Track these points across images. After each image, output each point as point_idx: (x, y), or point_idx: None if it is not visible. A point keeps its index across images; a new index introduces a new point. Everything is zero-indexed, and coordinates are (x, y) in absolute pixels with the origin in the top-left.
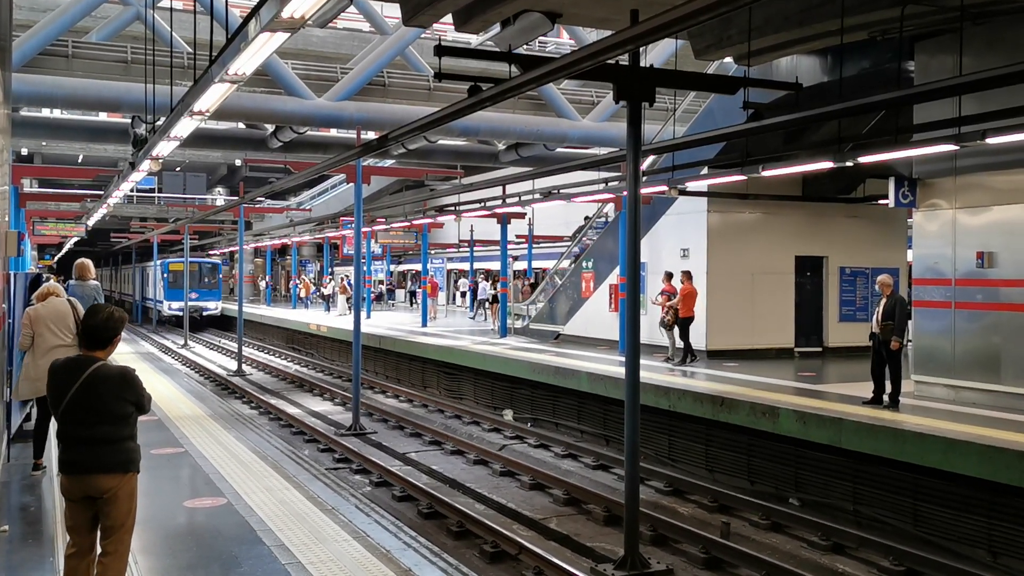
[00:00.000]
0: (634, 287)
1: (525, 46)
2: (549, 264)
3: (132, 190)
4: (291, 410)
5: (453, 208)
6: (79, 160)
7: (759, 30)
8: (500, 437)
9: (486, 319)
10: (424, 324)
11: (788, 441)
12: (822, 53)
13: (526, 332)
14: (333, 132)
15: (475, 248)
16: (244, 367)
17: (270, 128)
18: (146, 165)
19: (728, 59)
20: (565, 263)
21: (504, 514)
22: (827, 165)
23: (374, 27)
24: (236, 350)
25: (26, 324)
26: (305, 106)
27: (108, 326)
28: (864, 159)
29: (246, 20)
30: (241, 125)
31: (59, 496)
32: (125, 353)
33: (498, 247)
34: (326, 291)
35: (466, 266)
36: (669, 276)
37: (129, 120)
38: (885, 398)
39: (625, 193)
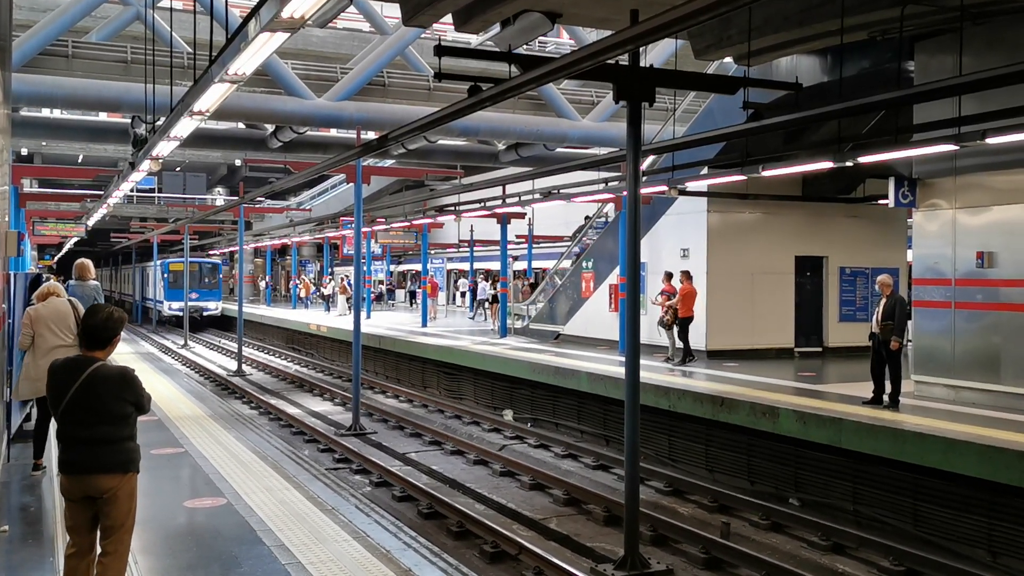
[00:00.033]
0: (634, 287)
1: (525, 46)
2: (549, 264)
3: (132, 190)
4: (291, 410)
5: (453, 208)
6: (79, 160)
7: (759, 30)
8: (500, 437)
9: (486, 319)
10: (424, 324)
11: (788, 441)
12: (822, 53)
13: (526, 332)
14: (333, 132)
15: (475, 248)
16: (244, 367)
17: (270, 128)
18: (146, 165)
19: (728, 59)
20: (565, 263)
21: (504, 514)
22: (827, 165)
23: (374, 27)
24: (236, 350)
25: (26, 324)
26: (305, 106)
27: (107, 326)
28: (864, 159)
29: (246, 20)
30: (241, 125)
31: (59, 496)
32: (125, 353)
33: (498, 247)
34: (326, 291)
35: (466, 266)
36: (669, 276)
37: (129, 120)
38: (885, 398)
39: (625, 193)
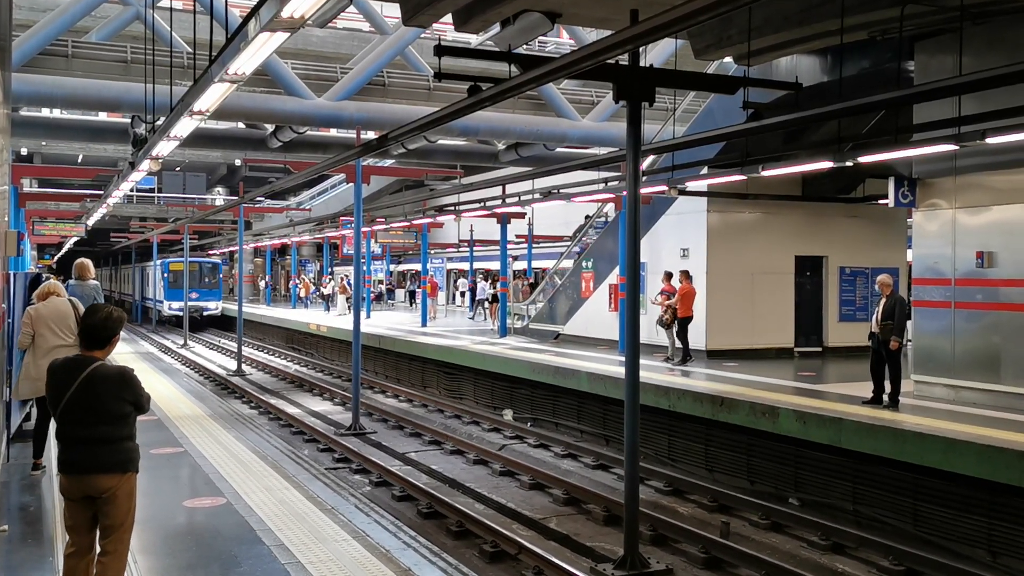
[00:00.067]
0: (634, 287)
1: (525, 46)
2: (549, 264)
3: (132, 190)
4: (291, 410)
5: (453, 208)
6: (79, 160)
7: (759, 30)
8: (500, 437)
9: (485, 319)
10: (424, 324)
11: (788, 441)
12: (822, 53)
13: (526, 332)
14: (333, 132)
15: (475, 248)
16: (244, 367)
17: (270, 128)
18: (146, 165)
19: (728, 59)
20: (565, 263)
21: (504, 514)
22: (827, 165)
23: (374, 27)
24: (236, 350)
25: (26, 323)
26: (305, 106)
27: (107, 326)
28: (864, 159)
29: (246, 20)
30: (241, 125)
31: (58, 496)
32: (125, 353)
33: (498, 247)
34: (326, 291)
35: (466, 266)
36: (669, 276)
37: (129, 120)
38: (885, 398)
39: (625, 193)
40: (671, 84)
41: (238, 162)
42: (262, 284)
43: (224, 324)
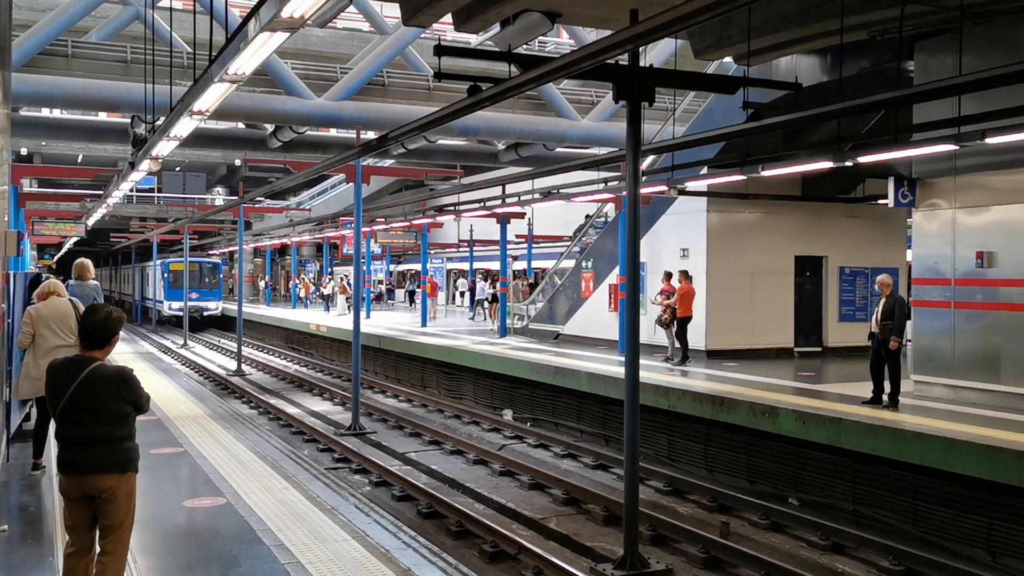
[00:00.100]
0: (634, 287)
1: (525, 46)
2: (549, 264)
3: (132, 190)
4: (291, 410)
5: (453, 208)
6: (79, 160)
7: (759, 30)
8: (500, 437)
9: (485, 319)
10: (424, 324)
11: (788, 441)
12: (822, 53)
13: (525, 332)
14: (333, 132)
15: (475, 248)
16: (244, 367)
17: (270, 128)
18: (145, 165)
19: (728, 59)
20: (565, 262)
21: (504, 514)
22: (827, 165)
23: (374, 27)
24: (236, 350)
25: (27, 323)
26: (305, 106)
27: (106, 326)
28: (864, 159)
29: (246, 20)
30: (241, 125)
31: (58, 496)
32: (124, 353)
33: (497, 247)
34: (325, 291)
35: (466, 266)
36: (668, 276)
37: (129, 120)
38: (884, 398)
39: (625, 193)
40: (671, 84)
41: (238, 162)
42: (262, 284)
43: (224, 324)
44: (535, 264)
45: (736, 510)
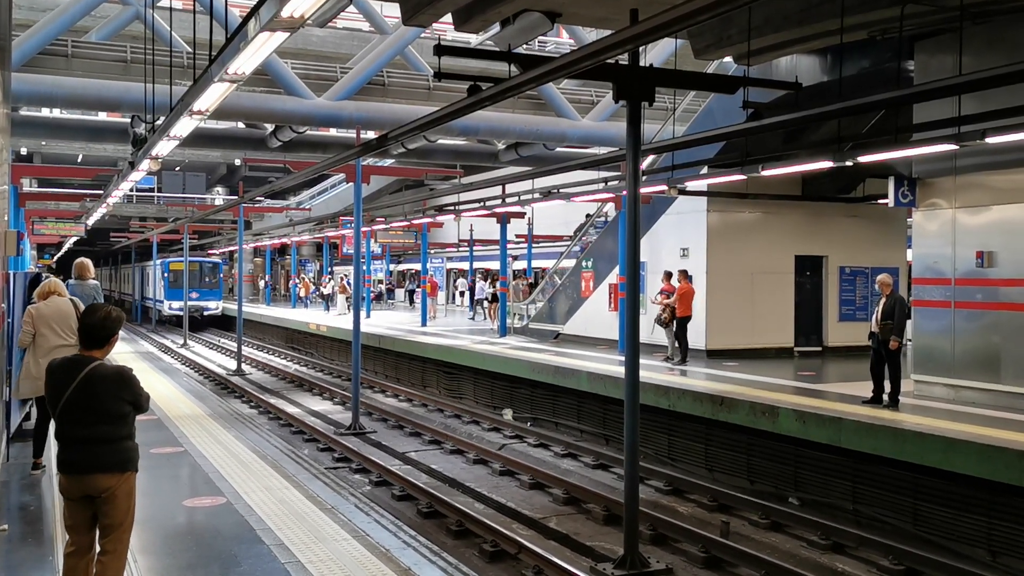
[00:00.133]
0: (634, 287)
1: (525, 46)
2: (549, 264)
3: (131, 190)
4: (291, 409)
5: (453, 208)
6: (79, 160)
7: (759, 30)
8: (500, 436)
9: (485, 318)
10: (424, 323)
11: (788, 440)
12: (822, 53)
13: (525, 331)
14: (333, 132)
15: (475, 248)
16: (244, 366)
17: (269, 128)
18: (145, 165)
19: (728, 59)
20: (565, 262)
21: (504, 513)
22: (827, 165)
23: (374, 27)
24: (236, 349)
25: (28, 322)
26: (304, 105)
27: (105, 325)
28: (864, 159)
29: (246, 19)
30: (240, 125)
31: (58, 495)
32: (124, 352)
33: (497, 247)
34: (325, 291)
35: (466, 265)
36: (668, 275)
37: (129, 120)
38: (885, 397)
39: (625, 193)
40: (671, 84)
41: (238, 162)
42: (262, 284)
43: (224, 324)
44: (535, 264)
45: (736, 510)
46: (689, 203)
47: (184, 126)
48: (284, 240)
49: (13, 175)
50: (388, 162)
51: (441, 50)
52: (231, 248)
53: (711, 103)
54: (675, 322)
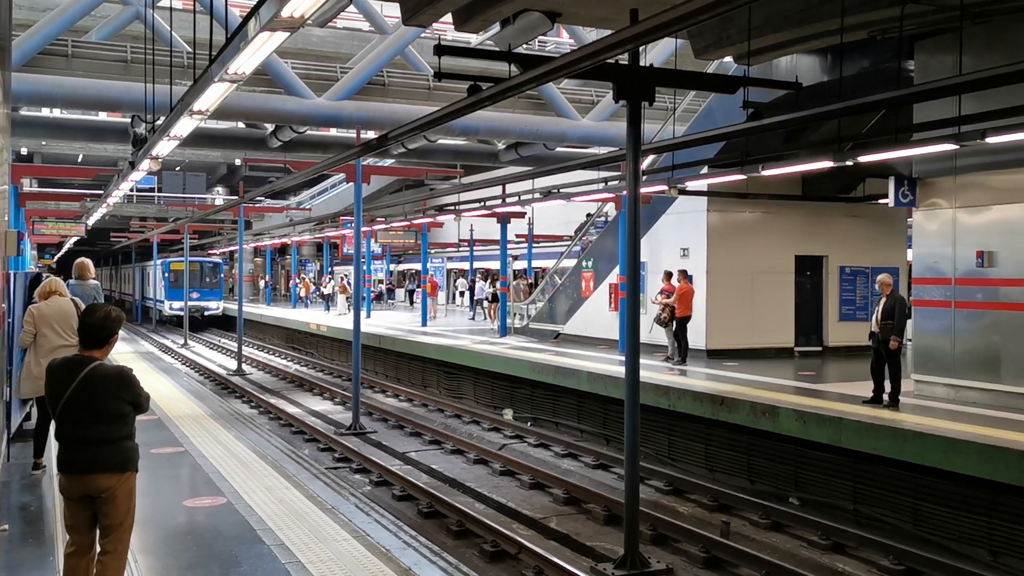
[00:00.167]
0: (634, 286)
1: (525, 45)
2: (549, 263)
3: (132, 189)
4: (291, 409)
5: (453, 208)
6: (79, 160)
7: (759, 29)
8: (500, 436)
9: (485, 318)
10: (424, 323)
11: (788, 440)
12: (822, 52)
13: (526, 331)
14: (333, 132)
15: (475, 248)
16: (244, 366)
17: (270, 127)
18: (146, 164)
19: (728, 58)
20: (566, 262)
21: (504, 513)
22: (827, 164)
23: (374, 26)
24: (236, 349)
25: (29, 322)
26: (305, 105)
27: (105, 325)
28: (864, 158)
29: (246, 19)
30: (241, 124)
31: (59, 495)
32: (124, 352)
33: (498, 246)
34: (326, 290)
35: (466, 265)
36: (669, 275)
37: (129, 120)
38: (885, 397)
39: (625, 192)
40: (671, 84)
41: (238, 162)
42: (262, 284)
43: (224, 324)
44: (535, 264)
45: (737, 510)
46: (689, 203)
47: (184, 126)
48: (284, 240)
49: (13, 175)
50: (388, 162)
51: (441, 50)
52: (231, 248)
53: (711, 103)
54: (674, 322)
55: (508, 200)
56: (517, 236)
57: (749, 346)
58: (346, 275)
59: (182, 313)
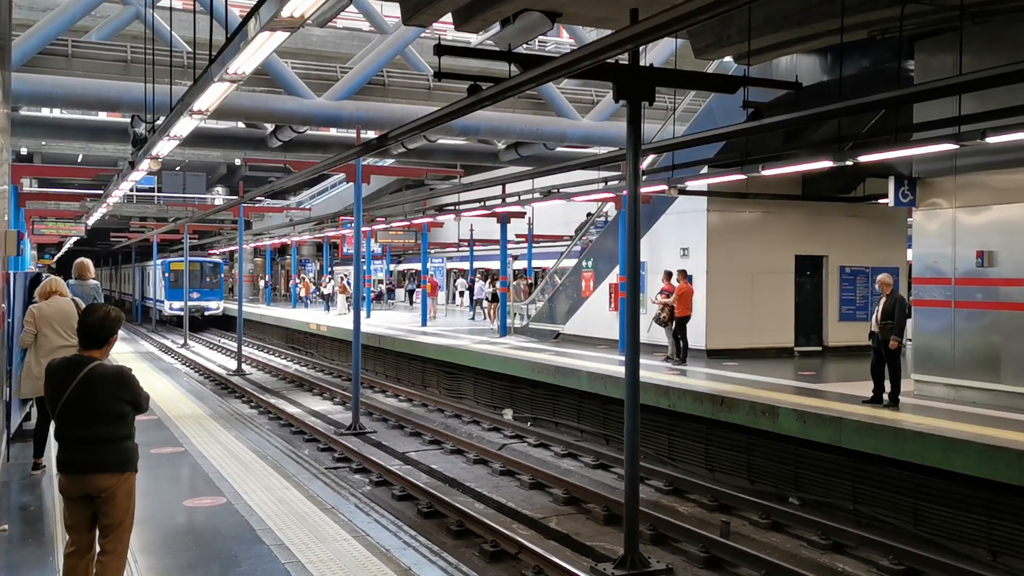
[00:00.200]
0: (634, 286)
1: (525, 45)
2: (549, 263)
3: (132, 189)
4: (291, 409)
5: (453, 207)
6: (79, 160)
7: (759, 29)
8: (500, 436)
9: (485, 318)
10: (424, 323)
11: (788, 440)
12: (822, 52)
13: (526, 331)
14: (333, 131)
15: (475, 247)
16: (244, 366)
17: (270, 127)
18: (146, 164)
19: (728, 58)
20: (566, 262)
21: (504, 513)
22: (827, 164)
23: (374, 26)
24: (236, 349)
25: (29, 322)
26: (305, 105)
27: (104, 325)
28: (864, 158)
29: (246, 19)
30: (241, 124)
31: (58, 495)
32: (124, 352)
33: (498, 246)
34: (326, 290)
35: (466, 265)
36: (669, 275)
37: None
38: (885, 397)
39: (625, 192)
40: (671, 84)
41: (238, 162)
42: (262, 284)
43: (224, 324)
44: (535, 263)
45: (736, 509)
46: (689, 203)
47: (184, 126)
48: (284, 240)
49: (13, 175)
50: (388, 162)
51: (441, 50)
52: (231, 248)
53: (711, 103)
54: (674, 322)
55: (508, 200)
56: (517, 236)
57: (749, 346)
58: (346, 275)
59: (182, 313)
